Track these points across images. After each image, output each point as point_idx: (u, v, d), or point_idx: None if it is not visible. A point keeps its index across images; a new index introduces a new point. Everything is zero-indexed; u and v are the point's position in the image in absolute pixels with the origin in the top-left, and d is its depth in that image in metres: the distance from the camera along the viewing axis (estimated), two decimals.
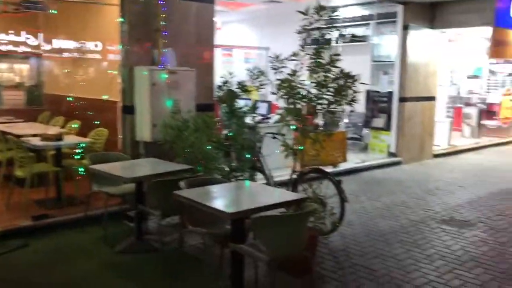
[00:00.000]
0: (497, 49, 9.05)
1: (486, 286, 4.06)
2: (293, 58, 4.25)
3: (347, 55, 9.67)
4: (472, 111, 12.06)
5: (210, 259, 4.43)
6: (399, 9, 8.99)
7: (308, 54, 4.21)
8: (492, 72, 13.01)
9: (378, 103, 9.68)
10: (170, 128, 5.00)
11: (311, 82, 4.21)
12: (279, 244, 3.22)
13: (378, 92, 9.65)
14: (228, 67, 11.20)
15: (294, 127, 4.42)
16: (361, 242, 5.05)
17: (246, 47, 12.04)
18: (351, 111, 9.90)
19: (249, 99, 8.24)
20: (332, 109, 4.22)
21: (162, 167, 4.69)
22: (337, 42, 9.55)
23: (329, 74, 4.16)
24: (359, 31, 10.04)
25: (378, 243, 5.03)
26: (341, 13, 10.00)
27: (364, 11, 9.84)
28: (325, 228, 4.80)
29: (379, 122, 9.67)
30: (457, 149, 10.65)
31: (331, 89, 4.18)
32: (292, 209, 3.94)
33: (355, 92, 4.22)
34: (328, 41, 4.25)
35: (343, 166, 8.25)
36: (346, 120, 10.13)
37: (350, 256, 4.67)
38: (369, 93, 9.76)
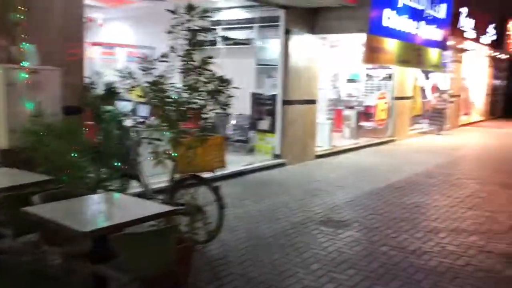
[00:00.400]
0: (370, 55, 9.60)
1: (358, 287, 4.16)
2: (163, 59, 4.00)
3: (232, 57, 9.76)
4: (351, 113, 12.73)
5: (73, 279, 4.00)
6: (281, 13, 9.12)
7: (179, 56, 3.99)
8: (369, 77, 13.86)
9: (263, 106, 9.77)
10: (29, 134, 4.47)
11: (183, 86, 3.99)
12: (142, 262, 2.96)
13: (262, 95, 9.73)
14: (110, 66, 10.60)
15: (167, 132, 4.17)
16: (241, 249, 4.95)
17: (130, 46, 11.49)
18: (238, 114, 9.96)
19: (130, 100, 7.81)
20: (205, 114, 4.04)
21: (17, 178, 4.15)
22: (213, 44, 9.45)
23: (201, 77, 3.98)
24: (243, 34, 10.05)
25: (258, 249, 4.96)
26: (226, 15, 9.99)
27: (248, 14, 9.87)
28: (201, 238, 4.61)
29: (264, 124, 9.77)
30: (338, 150, 11.14)
31: (203, 93, 4.01)
32: (163, 222, 3.71)
33: (229, 96, 4.08)
34: (202, 43, 4.07)
35: (229, 169, 8.16)
36: (233, 122, 10.11)
37: (228, 265, 4.54)
38: (254, 96, 9.82)
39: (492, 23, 18.07)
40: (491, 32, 18.07)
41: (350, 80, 13.72)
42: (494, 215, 6.47)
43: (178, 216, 3.96)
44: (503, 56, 21.11)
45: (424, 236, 5.53)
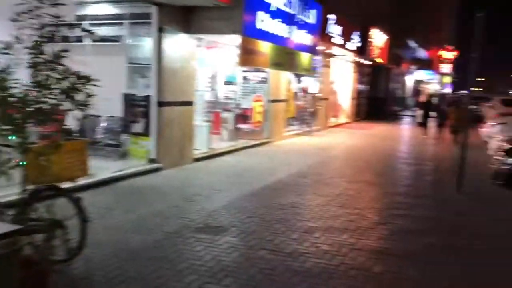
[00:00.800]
0: (245, 57, 9.60)
1: None
2: (4, 51, 3.40)
3: (100, 55, 9.07)
4: (229, 116, 12.68)
5: None
6: (153, 10, 8.68)
7: (27, 48, 3.43)
8: (245, 79, 13.95)
9: (136, 107, 9.22)
10: None
11: (31, 82, 3.44)
12: None
13: (135, 95, 9.18)
14: None
15: (13, 137, 3.56)
16: (108, 265, 4.47)
17: None
18: (109, 116, 9.29)
19: None
20: (59, 115, 3.52)
21: None
22: (78, 40, 8.69)
23: (53, 73, 3.46)
24: (113, 31, 9.38)
25: (127, 264, 4.52)
26: (92, 10, 9.24)
27: (118, 10, 9.24)
28: (61, 256, 4.06)
29: (138, 127, 9.22)
30: (216, 152, 10.98)
31: (56, 91, 3.49)
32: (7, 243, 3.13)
33: (88, 95, 3.60)
34: (54, 34, 3.54)
35: (98, 177, 7.53)
36: (103, 125, 9.40)
37: (93, 285, 4.07)
38: (126, 97, 9.23)
39: (357, 31, 19.47)
40: (356, 39, 19.45)
41: (228, 82, 13.67)
42: (362, 212, 6.77)
43: (29, 236, 3.39)
44: (366, 62, 22.89)
45: (300, 237, 5.55)
